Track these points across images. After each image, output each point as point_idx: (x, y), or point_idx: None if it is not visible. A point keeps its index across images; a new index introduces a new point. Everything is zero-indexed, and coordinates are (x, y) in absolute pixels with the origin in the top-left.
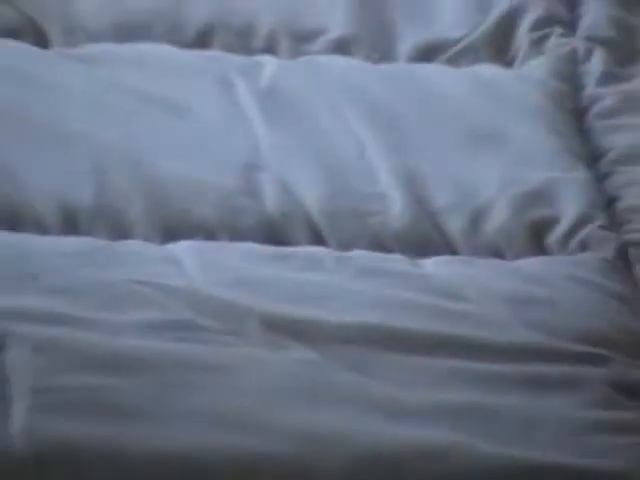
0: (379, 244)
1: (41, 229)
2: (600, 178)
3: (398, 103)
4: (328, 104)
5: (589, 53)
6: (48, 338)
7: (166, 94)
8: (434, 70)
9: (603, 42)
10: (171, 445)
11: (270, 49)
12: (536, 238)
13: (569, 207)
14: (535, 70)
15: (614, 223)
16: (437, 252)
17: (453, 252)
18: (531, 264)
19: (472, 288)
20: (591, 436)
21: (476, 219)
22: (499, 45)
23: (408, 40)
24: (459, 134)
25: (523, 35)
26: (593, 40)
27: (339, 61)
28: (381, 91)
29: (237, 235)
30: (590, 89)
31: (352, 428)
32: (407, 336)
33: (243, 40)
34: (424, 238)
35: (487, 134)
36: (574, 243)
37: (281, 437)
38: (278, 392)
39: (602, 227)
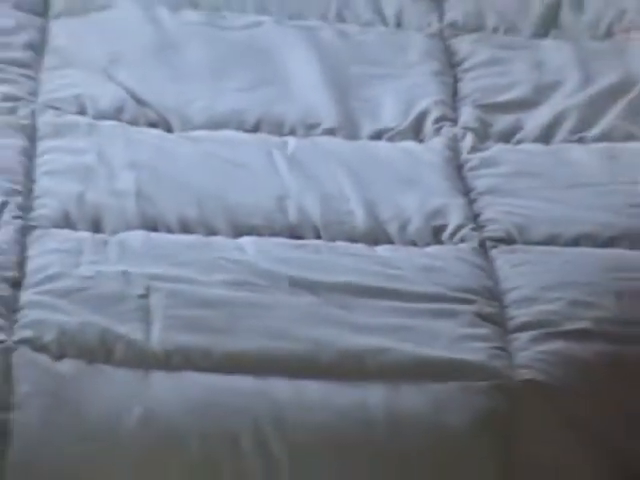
0: (350, 239)
1: (177, 230)
2: (470, 202)
3: (364, 162)
4: (325, 165)
5: (464, 136)
6: (172, 289)
7: (237, 158)
8: (382, 145)
9: (472, 130)
10: (241, 346)
11: (292, 133)
12: (436, 235)
13: (454, 218)
14: (436, 145)
15: (478, 227)
16: (383, 243)
17: (391, 242)
18: (434, 249)
19: (403, 262)
20: (466, 342)
21: (404, 225)
22: (416, 130)
23: (367, 127)
24: (394, 179)
25: (429, 125)
26: (466, 129)
27: (331, 140)
28: (354, 156)
29: (275, 233)
30: (464, 155)
31: (337, 337)
32: (369, 289)
33: (277, 129)
34: (375, 235)
35: (410, 179)
36: (457, 238)
37: (302, 341)
38: (297, 319)
39: (472, 229)
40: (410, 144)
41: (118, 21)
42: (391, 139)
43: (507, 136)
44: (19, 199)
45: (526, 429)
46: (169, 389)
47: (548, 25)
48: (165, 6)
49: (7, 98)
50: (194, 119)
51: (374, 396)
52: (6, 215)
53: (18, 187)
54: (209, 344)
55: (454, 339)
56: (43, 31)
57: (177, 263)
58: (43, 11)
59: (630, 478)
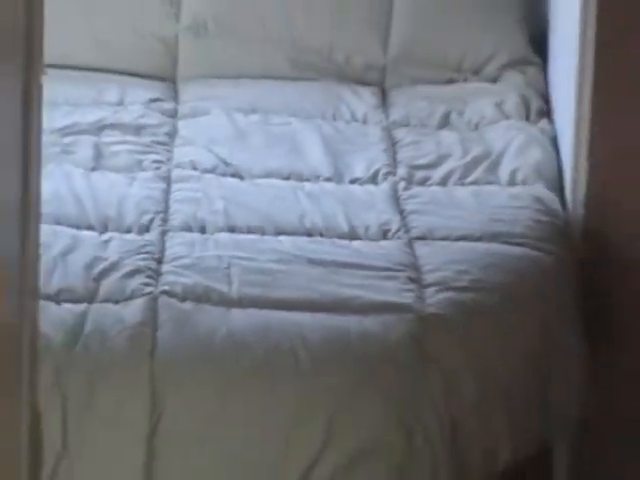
0: (339, 237)
1: (245, 232)
2: (403, 217)
3: (346, 196)
4: (325, 198)
5: (399, 182)
6: (243, 264)
7: (278, 194)
8: (356, 187)
9: (404, 179)
10: (282, 295)
11: (307, 181)
12: (384, 235)
13: (394, 226)
14: (384, 187)
15: (407, 231)
16: (356, 240)
17: (360, 239)
18: (383, 243)
19: (367, 250)
20: (400, 293)
21: (367, 229)
22: (374, 179)
23: (347, 177)
24: (362, 205)
25: (381, 176)
26: (401, 178)
27: (328, 184)
28: (340, 193)
29: (298, 234)
30: (400, 192)
31: (333, 290)
32: (350, 264)
33: (299, 178)
34: (352, 235)
35: (370, 204)
36: (396, 237)
37: (315, 292)
38: (312, 281)
39: (404, 232)
40: (371, 187)
41: (214, 120)
42: (361, 184)
43: (423, 182)
44: (161, 215)
45: (433, 341)
46: (241, 318)
47: (444, 123)
48: (239, 112)
49: (157, 161)
50: (255, 173)
51: (352, 322)
52: (154, 224)
53: (160, 208)
54: (264, 293)
55: (394, 291)
56: (174, 126)
57: (246, 249)
58: (174, 114)
59: (506, 394)
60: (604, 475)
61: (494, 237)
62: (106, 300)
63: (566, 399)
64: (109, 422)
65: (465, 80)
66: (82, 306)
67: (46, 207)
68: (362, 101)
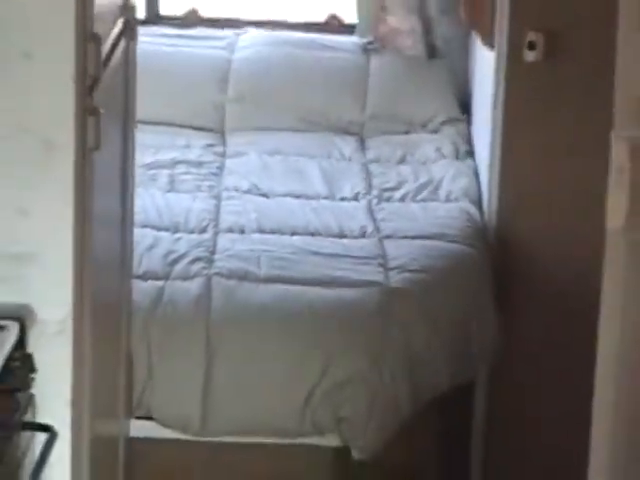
0: (332, 236)
1: (270, 233)
2: (376, 224)
3: (336, 210)
4: (323, 210)
5: (373, 199)
6: (268, 255)
7: (291, 208)
8: (344, 203)
9: (376, 197)
10: (295, 275)
11: (311, 199)
12: (362, 235)
13: (369, 229)
14: (363, 203)
15: (378, 232)
16: (343, 238)
17: (346, 237)
18: (362, 241)
19: (351, 245)
20: (372, 274)
21: (352, 231)
22: (356, 197)
23: (337, 196)
24: (347, 215)
25: (361, 196)
26: (374, 197)
27: (325, 201)
28: (334, 208)
29: (306, 234)
30: (373, 206)
31: (330, 273)
32: (339, 255)
33: (306, 197)
34: (341, 235)
35: (352, 215)
36: (371, 236)
37: (317, 274)
38: (315, 266)
39: (376, 232)
40: (354, 202)
41: (249, 159)
42: (347, 201)
43: (388, 199)
44: (213, 221)
45: (396, 306)
46: (267, 291)
47: (402, 160)
48: (266, 154)
49: (211, 186)
50: (277, 194)
51: (341, 293)
52: (209, 227)
53: (213, 217)
54: (282, 274)
55: (369, 272)
56: (222, 162)
57: (270, 245)
58: (222, 154)
59: (445, 343)
60: (508, 395)
61: (436, 237)
62: (177, 278)
63: (484, 347)
64: (179, 358)
65: (416, 132)
66: (161, 282)
67: (137, 216)
68: (347, 146)
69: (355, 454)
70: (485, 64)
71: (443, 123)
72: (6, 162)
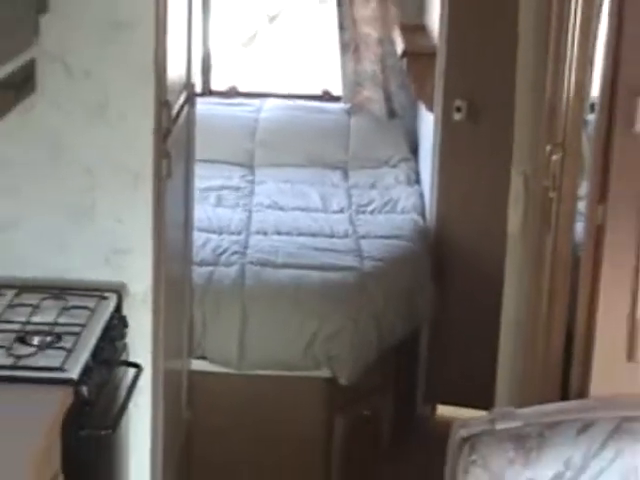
0: (326, 236)
1: (285, 234)
2: (354, 228)
3: (329, 220)
4: (320, 218)
5: (352, 214)
6: (284, 250)
7: (297, 218)
8: (335, 215)
9: (354, 211)
10: (301, 262)
11: (311, 212)
12: (345, 235)
13: (350, 232)
14: (346, 216)
15: (355, 234)
16: (333, 238)
17: (334, 237)
18: (343, 240)
19: (338, 242)
20: (345, 262)
21: (340, 233)
22: (342, 210)
23: (330, 209)
24: (336, 222)
25: (346, 211)
26: (353, 212)
27: (322, 213)
28: (327, 219)
29: (309, 235)
30: (353, 218)
31: (327, 261)
32: (329, 249)
33: (307, 210)
34: (331, 235)
35: (340, 222)
36: (352, 235)
37: (317, 262)
38: (315, 257)
39: (354, 234)
40: (340, 214)
41: (270, 186)
42: (336, 213)
43: (363, 212)
44: (246, 227)
45: (367, 284)
46: (282, 274)
47: (373, 186)
48: (281, 182)
49: (245, 204)
50: (289, 208)
51: (329, 275)
52: (243, 230)
53: (246, 224)
54: (292, 262)
55: (349, 261)
56: (253, 188)
57: (284, 243)
58: (253, 182)
59: (399, 304)
60: (442, 339)
61: (394, 237)
62: (221, 265)
63: (425, 309)
64: (223, 318)
65: (382, 167)
66: (211, 268)
67: (195, 223)
68: (335, 176)
69: (341, 381)
70: (427, 122)
71: (399, 161)
72: (109, 188)
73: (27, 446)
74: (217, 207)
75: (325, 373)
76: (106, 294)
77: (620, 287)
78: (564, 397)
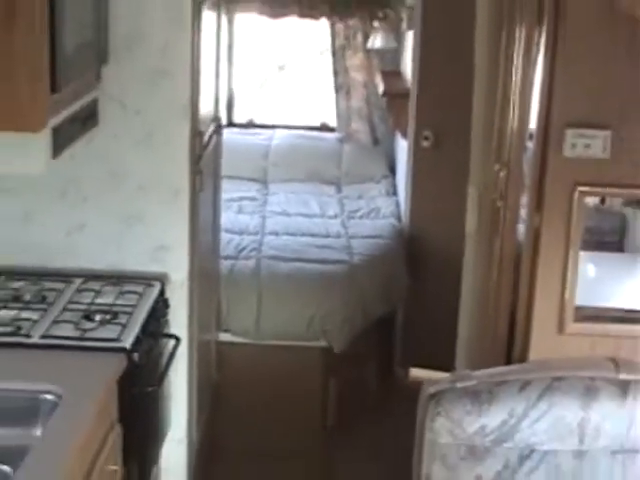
0: (322, 236)
1: (290, 235)
2: (346, 229)
3: (325, 224)
4: (318, 221)
5: (344, 220)
6: (292, 247)
7: (299, 223)
8: (330, 220)
9: (345, 217)
10: (304, 256)
11: (313, 217)
12: (338, 237)
13: (342, 232)
14: (338, 221)
15: (347, 235)
16: (327, 238)
17: (329, 237)
18: (336, 240)
19: (331, 240)
20: (335, 256)
21: (333, 233)
22: (336, 216)
23: (327, 215)
24: (330, 224)
25: (339, 217)
26: (345, 217)
27: (319, 219)
28: (322, 224)
29: (309, 235)
30: (345, 223)
31: (325, 255)
32: (325, 246)
33: (308, 217)
34: (326, 235)
35: (334, 222)
36: (343, 236)
37: (314, 256)
38: (315, 253)
39: (345, 235)
40: (334, 219)
41: (280, 197)
42: (331, 219)
43: (353, 217)
44: (261, 229)
45: (356, 273)
46: (290, 266)
47: (361, 197)
48: (288, 193)
49: (260, 210)
50: (293, 214)
51: (326, 267)
52: (259, 232)
53: (261, 226)
54: (297, 257)
55: (341, 256)
56: (266, 198)
57: (290, 241)
58: (266, 194)
59: (381, 288)
60: (415, 314)
61: (377, 237)
62: (241, 259)
63: (400, 292)
64: (244, 300)
65: (367, 182)
66: (233, 261)
67: (222, 226)
68: (331, 190)
69: (335, 350)
70: (402, 148)
71: (381, 178)
72: (155, 199)
73: (91, 400)
74: (238, 214)
75: (322, 343)
76: (152, 282)
77: (552, 276)
78: (508, 362)
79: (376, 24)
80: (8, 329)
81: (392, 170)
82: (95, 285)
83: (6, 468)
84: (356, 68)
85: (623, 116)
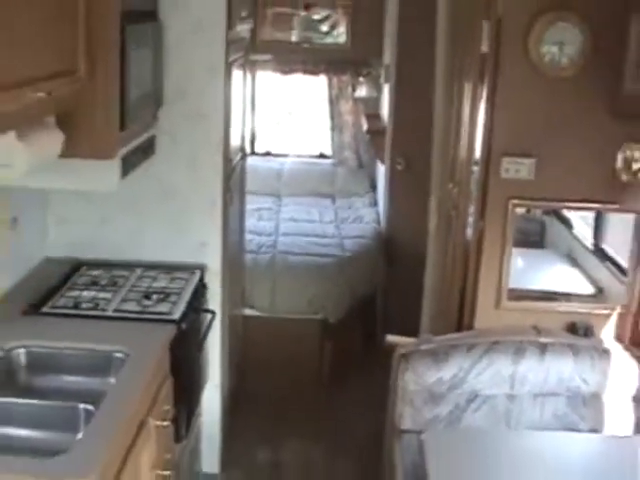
0: (319, 236)
1: (294, 235)
2: (339, 232)
3: (323, 226)
4: (317, 225)
5: (339, 224)
6: (298, 246)
7: (303, 226)
8: (327, 225)
9: (341, 222)
10: (304, 252)
11: (313, 222)
12: (333, 237)
13: (335, 233)
14: (333, 224)
15: (339, 235)
16: (325, 238)
17: (327, 237)
18: (331, 239)
19: (329, 239)
20: (330, 250)
21: (324, 234)
22: (332, 220)
23: (325, 219)
24: (327, 227)
25: (333, 221)
26: (339, 222)
27: (318, 223)
28: (320, 227)
29: (311, 235)
30: (339, 227)
31: (324, 252)
32: (322, 243)
33: (314, 221)
34: (324, 236)
35: (331, 225)
36: (337, 236)
37: (312, 252)
38: (314, 251)
39: (338, 235)
40: (330, 224)
41: (290, 207)
42: (327, 224)
43: (345, 222)
44: (275, 231)
45: (346, 264)
46: (299, 259)
47: (349, 207)
48: (298, 204)
49: (274, 218)
50: (300, 220)
51: (324, 260)
52: (273, 233)
53: (275, 229)
54: (302, 251)
55: (335, 251)
56: (280, 209)
57: (297, 241)
58: (280, 205)
59: (364, 277)
60: (392, 299)
61: (361, 237)
62: (260, 254)
63: (379, 278)
64: (262, 284)
65: (354, 197)
66: (254, 255)
67: (247, 229)
68: (327, 202)
69: (330, 321)
70: (381, 171)
71: (365, 193)
72: (197, 210)
73: (150, 358)
74: (259, 221)
75: (320, 316)
76: (195, 270)
77: (492, 266)
78: (459, 329)
79: (361, 79)
80: (89, 305)
81: (373, 187)
82: (152, 273)
83: (90, 407)
84: (347, 112)
85: (543, 148)
